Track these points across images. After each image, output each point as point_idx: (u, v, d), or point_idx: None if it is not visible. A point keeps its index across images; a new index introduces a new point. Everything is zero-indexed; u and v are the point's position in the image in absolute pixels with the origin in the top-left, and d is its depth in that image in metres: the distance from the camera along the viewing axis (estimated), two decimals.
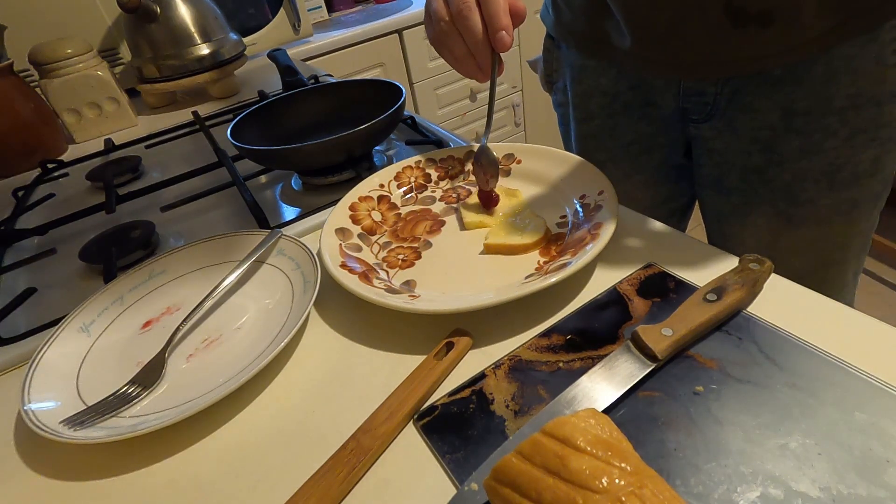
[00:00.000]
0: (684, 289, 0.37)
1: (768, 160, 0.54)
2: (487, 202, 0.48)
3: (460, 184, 0.54)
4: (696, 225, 0.74)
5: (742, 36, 0.47)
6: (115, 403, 0.35)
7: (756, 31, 0.47)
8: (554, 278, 0.36)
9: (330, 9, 1.66)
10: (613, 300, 0.38)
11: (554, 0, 0.63)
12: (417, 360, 0.36)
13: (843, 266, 0.58)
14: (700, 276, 0.38)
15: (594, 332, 0.35)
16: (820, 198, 0.54)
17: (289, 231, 0.52)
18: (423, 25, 1.54)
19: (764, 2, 0.45)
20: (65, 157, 0.86)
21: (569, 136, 0.72)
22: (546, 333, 0.36)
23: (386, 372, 0.36)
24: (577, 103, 0.67)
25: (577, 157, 0.50)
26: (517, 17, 0.44)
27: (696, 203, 0.71)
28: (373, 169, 0.62)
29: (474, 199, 0.50)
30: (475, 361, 0.35)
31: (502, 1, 0.42)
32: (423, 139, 0.65)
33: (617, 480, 0.22)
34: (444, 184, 0.55)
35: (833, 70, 0.48)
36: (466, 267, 0.43)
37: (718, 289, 0.33)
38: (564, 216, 0.46)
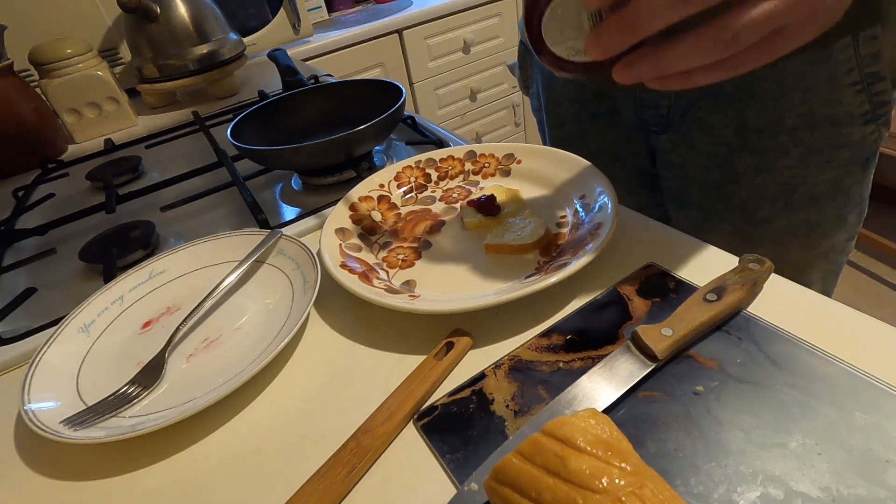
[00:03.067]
0: (684, 289, 0.37)
1: (725, 177, 0.54)
2: (487, 209, 0.48)
3: (460, 184, 0.54)
4: None
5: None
6: (115, 403, 0.35)
7: None
8: (554, 278, 0.36)
9: (330, 9, 1.66)
10: (613, 300, 0.38)
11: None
12: (417, 360, 0.36)
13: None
14: (700, 276, 0.38)
15: (594, 332, 0.35)
16: (776, 217, 0.53)
17: (289, 231, 0.52)
18: (423, 25, 1.54)
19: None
20: (65, 157, 0.86)
21: (544, 140, 0.73)
22: (546, 333, 0.36)
23: (386, 372, 0.36)
24: (548, 109, 0.68)
25: (577, 157, 0.50)
26: None
27: None
28: (373, 169, 0.62)
29: (474, 197, 0.50)
30: (475, 361, 0.35)
31: None
32: (423, 139, 0.65)
33: (617, 480, 0.22)
34: (444, 184, 0.55)
35: (784, 88, 0.47)
36: (466, 267, 0.43)
37: (718, 289, 0.33)
38: (564, 216, 0.46)
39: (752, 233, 0.55)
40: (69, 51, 0.86)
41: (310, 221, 0.53)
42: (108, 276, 0.48)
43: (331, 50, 1.43)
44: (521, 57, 0.72)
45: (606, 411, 0.29)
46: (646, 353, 0.31)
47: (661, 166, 0.62)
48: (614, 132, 0.63)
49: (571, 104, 0.64)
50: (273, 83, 1.02)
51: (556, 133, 0.69)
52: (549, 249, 0.43)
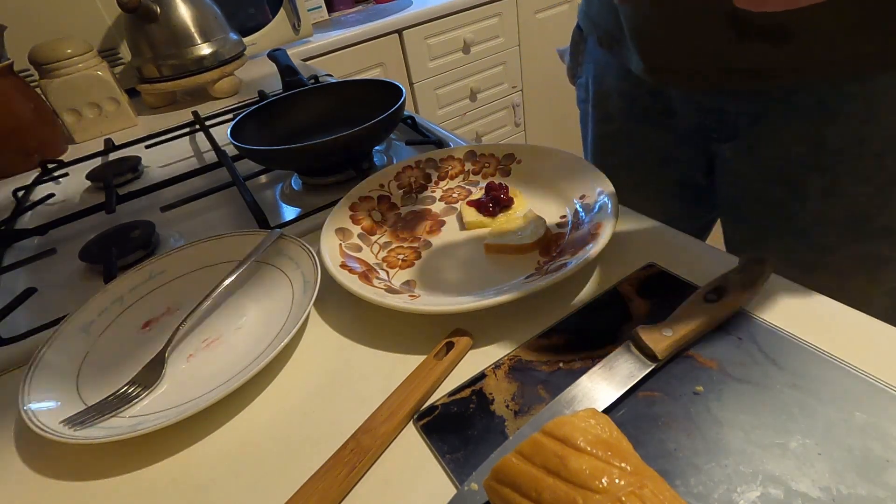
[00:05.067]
0: (684, 289, 0.37)
1: (790, 195, 0.49)
2: (487, 209, 0.48)
3: (460, 184, 0.54)
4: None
5: (750, 51, 0.43)
6: (115, 403, 0.35)
7: (765, 47, 0.42)
8: (554, 278, 0.36)
9: (330, 9, 1.66)
10: (613, 300, 0.38)
11: None
12: (417, 360, 0.36)
13: None
14: (700, 276, 0.38)
15: (594, 332, 0.35)
16: (841, 247, 0.48)
17: (289, 231, 0.52)
18: (423, 25, 1.54)
19: (771, 16, 0.39)
20: (65, 157, 0.86)
21: (586, 134, 0.69)
22: (546, 333, 0.36)
23: (386, 372, 0.36)
24: (596, 102, 0.64)
25: (578, 157, 0.50)
26: None
27: (712, 229, 0.67)
28: (373, 169, 0.62)
29: (474, 197, 0.50)
30: (475, 361, 0.35)
31: None
32: (423, 139, 0.65)
33: (617, 480, 0.22)
34: (444, 184, 0.55)
35: (874, 108, 0.42)
36: (466, 267, 0.43)
37: (718, 289, 0.33)
38: (564, 216, 0.46)
39: (810, 259, 0.50)
40: (69, 51, 0.86)
41: (310, 221, 0.53)
42: (108, 276, 0.48)
43: (331, 50, 1.43)
44: (573, 43, 0.67)
45: (606, 411, 0.29)
46: (646, 353, 0.31)
47: (718, 175, 0.57)
48: (664, 134, 0.58)
49: (622, 99, 0.59)
50: (273, 83, 1.02)
51: (601, 128, 0.64)
52: (549, 249, 0.43)
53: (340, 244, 0.45)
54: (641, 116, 0.59)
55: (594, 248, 0.38)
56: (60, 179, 0.79)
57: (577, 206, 0.46)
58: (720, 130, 0.52)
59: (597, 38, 0.59)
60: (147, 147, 0.83)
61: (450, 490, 0.28)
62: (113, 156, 0.82)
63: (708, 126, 0.53)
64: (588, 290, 0.39)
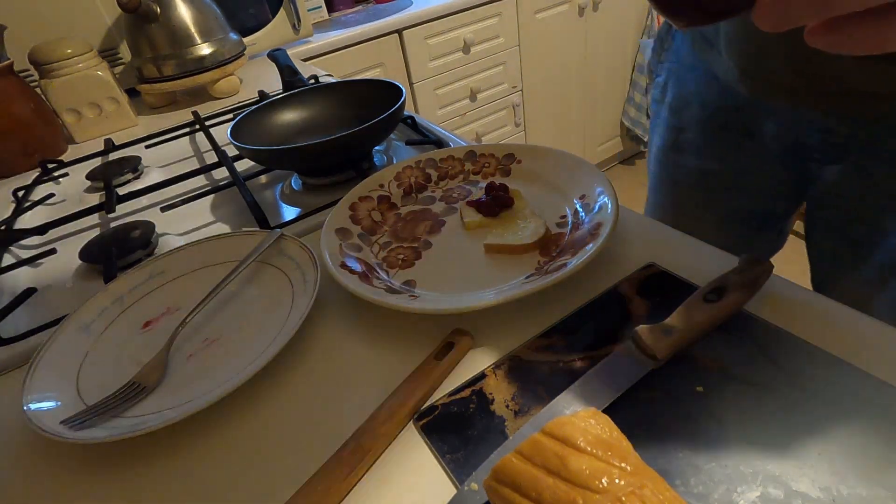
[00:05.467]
0: (684, 289, 0.37)
1: None
2: (487, 209, 0.48)
3: (460, 184, 0.54)
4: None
5: (877, 75, 0.38)
6: (115, 403, 0.35)
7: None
8: (554, 278, 0.36)
9: (330, 9, 1.66)
10: (613, 300, 0.38)
11: None
12: (417, 360, 0.36)
13: None
14: (700, 276, 0.38)
15: (594, 332, 0.35)
16: None
17: (289, 231, 0.52)
18: (423, 25, 1.54)
19: None
20: (65, 157, 0.86)
21: (652, 139, 0.64)
22: (546, 333, 0.36)
23: (386, 372, 0.36)
24: (672, 106, 0.59)
25: (578, 157, 0.50)
26: None
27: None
28: (373, 169, 0.62)
29: (474, 197, 0.50)
30: (475, 361, 0.35)
31: None
32: (423, 139, 0.65)
33: (617, 480, 0.22)
34: (444, 184, 0.55)
35: None
36: (466, 267, 0.43)
37: (718, 289, 0.33)
38: (564, 216, 0.46)
39: None
40: (69, 51, 0.86)
41: (310, 221, 0.53)
42: (108, 276, 0.48)
43: (331, 50, 1.43)
44: (659, 38, 0.61)
45: (606, 411, 0.29)
46: (646, 353, 0.31)
47: (814, 199, 0.52)
48: (742, 155, 0.53)
49: (701, 109, 0.54)
50: (273, 83, 1.02)
51: (670, 137, 0.59)
52: (549, 249, 0.43)
53: (340, 244, 0.45)
54: (719, 131, 0.54)
55: (594, 248, 0.38)
56: (60, 179, 0.79)
57: (578, 206, 0.46)
58: (825, 152, 0.47)
59: (688, 36, 0.54)
60: (147, 147, 0.83)
61: (450, 490, 0.28)
62: (113, 156, 0.82)
63: (808, 146, 0.48)
64: (588, 290, 0.39)
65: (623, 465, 0.23)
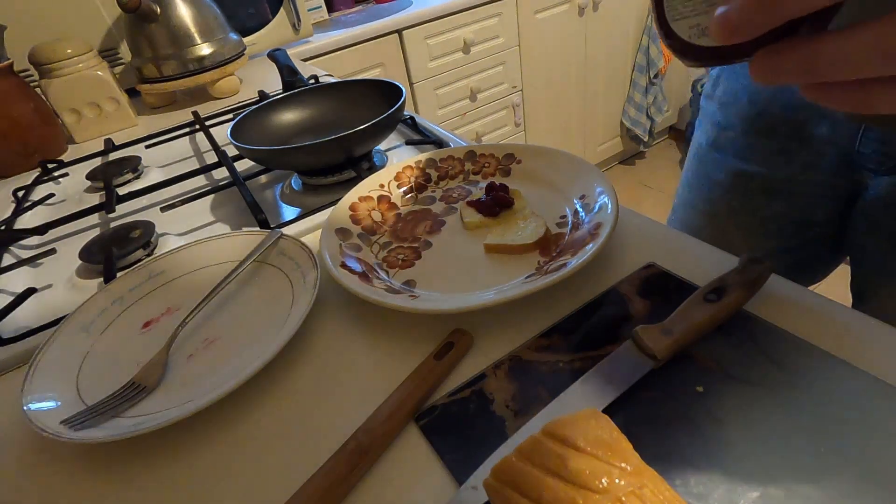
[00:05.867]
0: (684, 289, 0.37)
1: None
2: (487, 209, 0.48)
3: (460, 184, 0.54)
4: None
5: None
6: (114, 403, 0.35)
7: None
8: (554, 278, 0.36)
9: (330, 9, 1.66)
10: (613, 300, 0.38)
11: None
12: (417, 360, 0.36)
13: None
14: (700, 276, 0.38)
15: (594, 332, 0.35)
16: None
17: (289, 231, 0.52)
18: (423, 25, 1.55)
19: None
20: (65, 157, 0.86)
21: (696, 136, 0.61)
22: (546, 333, 0.36)
23: (386, 372, 0.36)
24: (722, 100, 0.56)
25: (578, 157, 0.50)
26: None
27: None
28: (373, 169, 0.62)
29: (474, 197, 0.50)
30: (475, 361, 0.35)
31: None
32: (423, 139, 0.65)
33: (617, 480, 0.22)
34: (444, 184, 0.55)
35: None
36: (466, 267, 0.43)
37: (718, 289, 0.33)
38: (564, 216, 0.46)
39: None
40: (69, 51, 0.86)
41: (310, 221, 0.53)
42: (108, 276, 0.48)
43: (331, 50, 1.43)
44: None
45: (606, 411, 0.29)
46: (646, 353, 0.31)
47: (863, 206, 0.50)
48: (788, 157, 0.50)
49: (751, 106, 0.51)
50: (273, 83, 1.02)
51: (713, 134, 0.56)
52: (549, 249, 0.43)
53: (340, 244, 0.45)
54: (766, 131, 0.51)
55: (594, 248, 0.38)
56: (60, 179, 0.79)
57: (578, 206, 0.46)
58: (881, 163, 0.45)
59: None
60: (147, 147, 0.83)
61: (450, 490, 0.28)
62: (113, 156, 0.82)
63: (864, 155, 0.46)
64: (588, 290, 0.39)
65: (623, 465, 0.23)
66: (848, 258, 0.57)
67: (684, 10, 0.23)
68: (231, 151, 0.69)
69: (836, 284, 0.61)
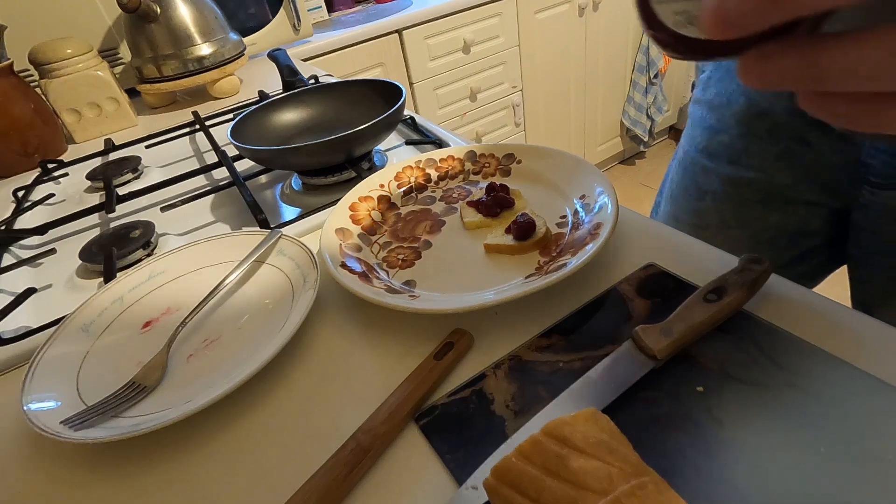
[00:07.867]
0: (684, 289, 0.37)
1: None
2: (489, 209, 0.47)
3: (460, 184, 0.54)
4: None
5: None
6: (115, 403, 0.35)
7: None
8: (554, 278, 0.36)
9: (330, 9, 1.66)
10: (613, 300, 0.38)
11: None
12: (417, 360, 0.36)
13: None
14: (700, 276, 0.38)
15: (594, 332, 0.35)
16: None
17: (289, 231, 0.52)
18: (423, 25, 1.54)
19: None
20: (65, 157, 0.86)
21: (681, 144, 0.58)
22: (546, 333, 0.36)
23: (386, 372, 0.36)
24: (714, 103, 0.53)
25: (578, 157, 0.50)
26: None
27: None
28: (373, 169, 0.62)
29: (474, 197, 0.50)
30: (475, 361, 0.35)
31: None
32: (423, 139, 0.65)
33: (617, 480, 0.22)
34: (444, 184, 0.55)
35: None
36: (466, 267, 0.43)
37: (718, 289, 0.33)
38: (564, 216, 0.46)
39: None
40: (69, 51, 0.86)
41: (310, 221, 0.53)
42: (108, 276, 0.48)
43: (331, 50, 1.43)
44: None
45: (606, 411, 0.29)
46: (646, 353, 0.31)
47: (862, 219, 0.48)
48: (782, 166, 0.47)
49: (748, 108, 0.49)
50: (273, 83, 1.02)
51: (704, 138, 0.53)
52: (549, 249, 0.43)
53: (340, 244, 0.45)
54: (764, 135, 0.48)
55: (594, 248, 0.38)
56: (60, 179, 0.79)
57: (578, 206, 0.46)
58: (886, 176, 0.43)
59: None
60: (147, 147, 0.83)
61: (450, 490, 0.28)
62: (113, 156, 0.82)
63: (869, 167, 0.44)
64: (588, 290, 0.39)
65: (623, 465, 0.23)
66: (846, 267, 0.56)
67: None
68: (231, 151, 0.69)
69: (837, 284, 0.61)
